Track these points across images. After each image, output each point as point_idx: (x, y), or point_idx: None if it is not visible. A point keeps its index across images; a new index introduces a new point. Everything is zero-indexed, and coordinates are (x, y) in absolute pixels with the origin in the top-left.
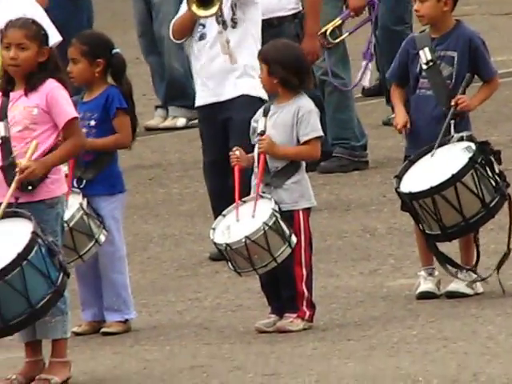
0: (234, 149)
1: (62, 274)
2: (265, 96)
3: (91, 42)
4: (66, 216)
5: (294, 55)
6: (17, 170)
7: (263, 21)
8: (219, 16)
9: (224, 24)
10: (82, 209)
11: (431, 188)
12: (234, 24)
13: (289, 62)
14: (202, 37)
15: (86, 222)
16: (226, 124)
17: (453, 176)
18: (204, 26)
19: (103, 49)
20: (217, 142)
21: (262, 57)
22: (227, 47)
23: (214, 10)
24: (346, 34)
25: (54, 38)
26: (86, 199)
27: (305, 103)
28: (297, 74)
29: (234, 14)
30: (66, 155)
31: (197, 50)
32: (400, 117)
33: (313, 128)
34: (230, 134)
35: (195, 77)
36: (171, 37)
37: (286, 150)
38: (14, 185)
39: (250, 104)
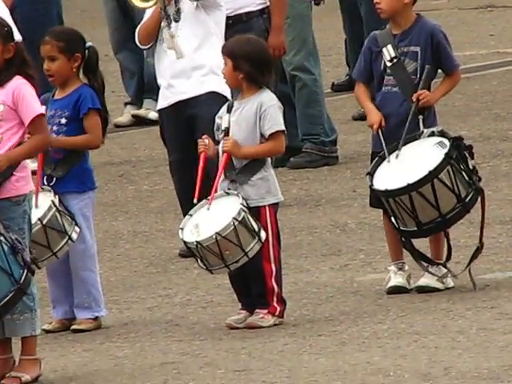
0: (204, 137)
1: (25, 272)
2: (230, 95)
3: (67, 38)
4: (39, 214)
5: (259, 50)
6: None
7: (232, 17)
8: (162, 10)
9: (168, 18)
10: (55, 206)
11: (408, 185)
12: (177, 17)
13: (255, 56)
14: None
15: (58, 220)
16: (191, 122)
17: (430, 172)
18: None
19: (79, 43)
20: (182, 140)
21: (227, 51)
22: (171, 42)
23: (151, 2)
24: None
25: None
26: (57, 196)
27: (267, 98)
28: (262, 69)
29: (177, 8)
30: (31, 151)
31: (162, 52)
32: (374, 116)
33: (275, 122)
34: (195, 131)
35: (159, 79)
36: (137, 43)
37: (248, 150)
38: None
39: (215, 101)
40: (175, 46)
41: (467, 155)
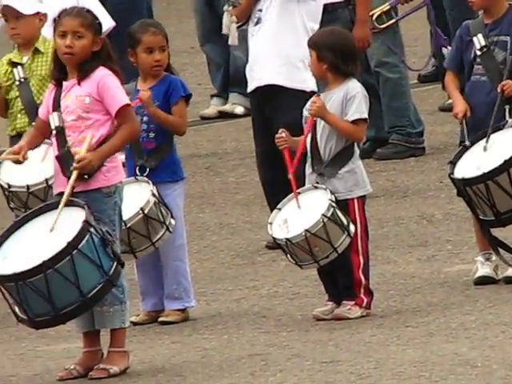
0: (280, 131)
1: (115, 264)
2: (303, 87)
3: (164, 30)
4: (141, 203)
5: (342, 40)
6: (74, 162)
7: None
8: None
9: (229, 1)
10: (154, 196)
11: (484, 174)
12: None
13: (338, 47)
14: (258, 21)
15: (157, 210)
16: (268, 115)
17: (505, 161)
18: (261, 10)
19: None
20: (266, 131)
21: (311, 43)
22: (229, 27)
23: None
24: (393, 20)
25: (107, 23)
26: (155, 187)
27: (352, 86)
28: (345, 58)
29: None
30: (120, 144)
31: (251, 35)
32: (460, 105)
33: (358, 109)
34: (273, 125)
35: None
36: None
37: (334, 118)
38: (73, 176)
39: (287, 95)
40: (230, 32)
41: None
